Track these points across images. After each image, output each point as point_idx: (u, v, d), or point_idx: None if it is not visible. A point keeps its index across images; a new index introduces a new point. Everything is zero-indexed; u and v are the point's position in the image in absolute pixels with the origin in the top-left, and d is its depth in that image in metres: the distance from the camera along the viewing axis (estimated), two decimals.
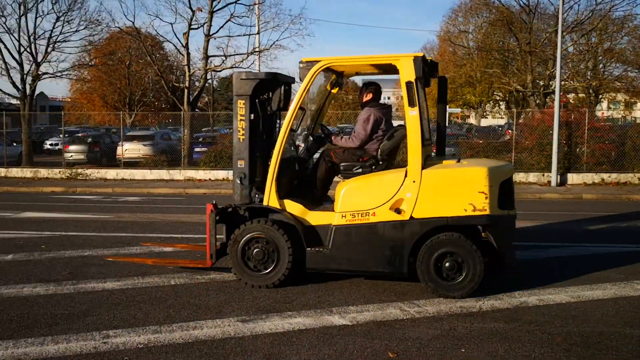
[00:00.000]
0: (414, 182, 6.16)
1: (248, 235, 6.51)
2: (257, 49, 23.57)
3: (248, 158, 6.75)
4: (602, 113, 28.49)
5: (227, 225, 6.94)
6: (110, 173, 20.99)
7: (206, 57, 22.83)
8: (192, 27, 22.48)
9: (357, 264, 6.40)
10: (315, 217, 6.58)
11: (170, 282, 6.80)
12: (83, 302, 6.07)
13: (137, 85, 37.29)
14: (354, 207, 6.37)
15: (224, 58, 23.59)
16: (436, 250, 6.09)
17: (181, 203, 14.78)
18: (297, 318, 5.55)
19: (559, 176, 17.66)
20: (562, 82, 23.51)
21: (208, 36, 22.44)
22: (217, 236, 6.80)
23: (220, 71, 26.72)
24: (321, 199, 6.99)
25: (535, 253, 8.17)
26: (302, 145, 7.53)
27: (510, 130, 24.00)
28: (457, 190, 6.10)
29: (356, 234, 6.33)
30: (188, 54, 22.97)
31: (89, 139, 24.56)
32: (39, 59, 23.65)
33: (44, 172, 21.51)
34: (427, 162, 6.34)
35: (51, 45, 23.86)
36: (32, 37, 23.45)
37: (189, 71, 23.08)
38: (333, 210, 6.48)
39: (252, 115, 6.74)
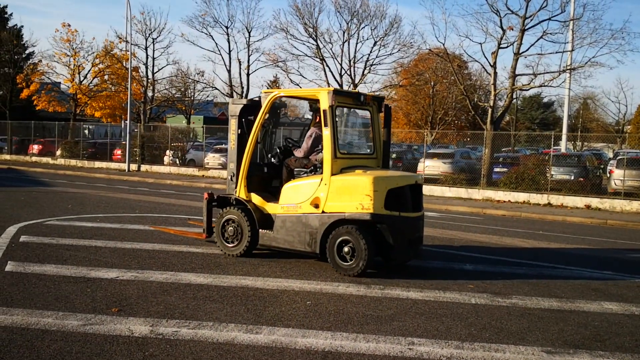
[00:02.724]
0: (325, 185, 8.07)
1: (225, 217, 8.86)
2: (569, 67, 22.27)
3: (236, 162, 9.01)
4: None
5: (222, 209, 9.09)
6: None
7: (514, 75, 22.39)
8: (501, 46, 22.31)
9: (288, 244, 8.41)
10: (270, 207, 8.71)
11: (471, 301, 6.85)
12: (390, 307, 6.49)
13: (440, 104, 38.36)
14: (289, 201, 8.46)
15: (532, 77, 22.84)
16: (337, 237, 7.87)
17: (478, 222, 14.73)
18: (609, 359, 5.09)
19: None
20: None
21: (517, 54, 21.99)
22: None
23: (527, 90, 25.92)
24: None
25: None
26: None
27: None
28: (352, 193, 7.83)
29: (288, 222, 8.39)
30: (495, 72, 22.82)
31: (393, 155, 26.05)
32: (357, 80, 26.03)
33: None
34: (344, 171, 8.16)
35: (368, 68, 26.10)
36: (352, 61, 25.97)
37: (495, 90, 22.90)
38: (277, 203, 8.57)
39: (239, 131, 8.99)
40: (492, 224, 14.35)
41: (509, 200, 19.50)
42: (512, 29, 22.06)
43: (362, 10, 25.93)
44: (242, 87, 30.52)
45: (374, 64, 26.15)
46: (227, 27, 29.58)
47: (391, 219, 7.82)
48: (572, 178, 19.87)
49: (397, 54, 27.10)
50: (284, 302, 6.53)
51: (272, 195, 9.00)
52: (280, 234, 8.50)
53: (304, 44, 26.49)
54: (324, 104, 8.13)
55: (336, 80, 25.80)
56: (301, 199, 8.34)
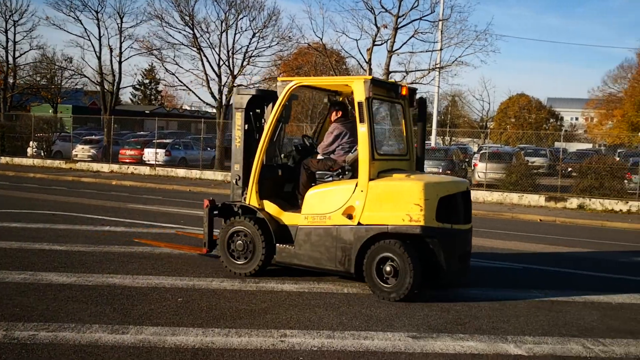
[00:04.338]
0: (362, 191, 6.85)
1: (232, 229, 7.49)
2: (438, 65, 23.43)
3: (242, 163, 7.72)
4: None
5: (225, 219, 7.77)
6: None
7: (387, 72, 23.17)
8: (376, 43, 22.97)
9: (314, 261, 7.10)
10: (288, 218, 7.41)
11: (343, 291, 6.99)
12: (264, 301, 6.46)
13: (320, 98, 38.88)
14: (314, 210, 7.14)
15: (404, 74, 23.76)
16: (376, 254, 6.67)
17: None
18: (469, 342, 5.41)
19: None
20: None
21: (391, 52, 22.78)
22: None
23: None
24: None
25: None
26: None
27: None
28: (397, 201, 6.64)
29: (315, 235, 7.08)
30: (370, 69, 23.48)
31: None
32: (235, 71, 25.74)
33: None
34: (381, 175, 6.96)
35: (246, 60, 25.87)
36: (230, 52, 25.62)
37: None
38: (299, 212, 7.27)
39: (247, 126, 7.73)
40: None
41: None
42: (386, 27, 22.83)
43: (240, 0, 25.67)
44: (114, 76, 29.15)
45: (253, 56, 25.99)
46: (97, 12, 28.01)
47: (443, 232, 6.69)
48: (441, 170, 20.96)
49: (276, 46, 27.08)
50: (154, 299, 6.29)
51: (288, 202, 7.77)
52: (303, 250, 7.17)
53: (180, 32, 25.74)
54: (359, 95, 6.93)
55: (214, 71, 25.41)
56: (331, 207, 7.05)
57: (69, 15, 28.06)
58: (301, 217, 7.23)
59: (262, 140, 7.52)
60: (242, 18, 25.89)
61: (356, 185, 6.91)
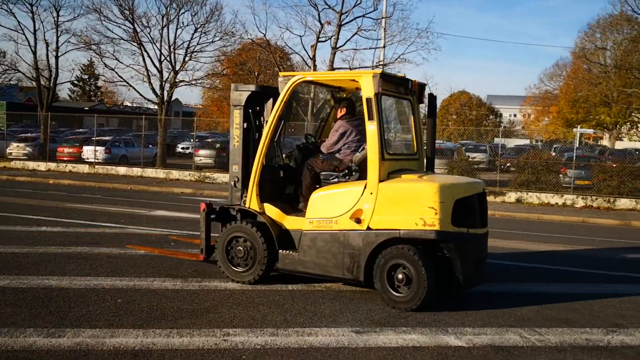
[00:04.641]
0: (371, 194, 6.43)
1: (231, 234, 7.09)
2: (381, 62, 23.69)
3: (241, 163, 7.31)
4: None
5: (222, 224, 7.45)
6: None
7: (332, 69, 23.27)
8: (320, 39, 23.05)
9: (320, 268, 6.70)
10: (291, 222, 7.01)
11: (287, 288, 6.97)
12: (206, 300, 6.38)
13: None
14: (320, 214, 6.72)
15: (349, 70, 23.89)
16: (389, 261, 6.27)
17: None
18: (411, 334, 5.49)
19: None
20: None
21: (335, 49, 22.88)
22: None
23: None
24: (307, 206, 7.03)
25: None
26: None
27: None
28: (409, 204, 6.25)
29: (320, 240, 6.67)
30: (314, 65, 23.53)
31: (218, 144, 25.80)
32: (177, 67, 25.29)
33: (175, 174, 22.88)
34: (391, 176, 6.53)
35: (189, 55, 25.46)
36: (172, 47, 25.15)
37: None
38: (304, 216, 6.86)
39: (246, 124, 7.28)
40: None
41: None
42: (330, 24, 22.94)
43: None
44: (51, 71, 28.12)
45: (196, 51, 25.60)
46: (31, 5, 26.94)
47: (459, 237, 6.28)
48: None
49: (219, 42, 26.76)
50: (92, 301, 6.11)
51: (290, 205, 7.35)
52: (308, 256, 6.74)
53: (119, 26, 25.08)
54: (368, 91, 6.47)
55: (155, 66, 24.89)
56: (338, 211, 6.62)
57: (1, 8, 26.89)
58: (305, 222, 6.80)
59: (262, 140, 7.07)
60: (183, 13, 25.48)
61: (365, 187, 6.48)
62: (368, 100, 6.46)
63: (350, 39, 31.76)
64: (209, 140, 28.36)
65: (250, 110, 7.32)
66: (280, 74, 7.10)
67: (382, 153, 6.43)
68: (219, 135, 36.75)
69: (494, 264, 8.97)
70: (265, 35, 24.26)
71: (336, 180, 7.00)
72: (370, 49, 24.71)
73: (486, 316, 6.15)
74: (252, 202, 7.11)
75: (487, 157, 27.90)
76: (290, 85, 6.96)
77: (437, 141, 30.53)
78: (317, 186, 7.12)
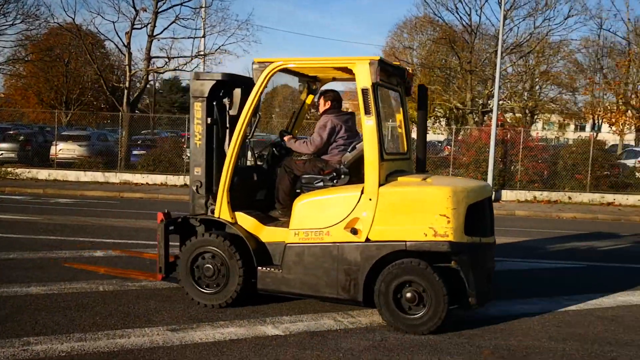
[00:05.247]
0: (370, 200, 5.58)
1: (197, 250, 6.04)
2: (201, 53, 23.30)
3: (205, 165, 6.28)
4: (537, 133, 29.56)
5: (182, 237, 6.42)
6: (42, 173, 20.17)
7: (149, 57, 22.40)
8: (135, 26, 21.99)
9: (309, 287, 5.80)
10: (269, 234, 6.06)
11: (99, 289, 6.57)
12: (3, 307, 5.77)
13: (76, 83, 36.10)
14: (308, 224, 5.79)
15: (167, 60, 23.19)
16: (396, 278, 5.46)
17: (116, 207, 14.34)
18: (229, 328, 5.46)
19: (493, 192, 18.18)
20: (500, 102, 24.31)
21: (151, 37, 22.02)
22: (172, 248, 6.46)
23: (162, 73, 26.31)
24: (286, 214, 6.27)
25: None
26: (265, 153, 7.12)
27: (448, 147, 24.58)
28: (417, 211, 5.51)
29: (309, 255, 5.76)
30: (130, 53, 22.47)
31: (21, 137, 23.58)
32: None
33: None
34: (389, 179, 5.76)
35: None
36: None
37: (130, 71, 22.56)
38: (287, 227, 5.94)
39: (209, 119, 6.28)
40: (129, 208, 14.13)
41: (147, 183, 19.52)
42: (146, 11, 21.96)
43: None
44: None
45: None
46: None
47: (472, 248, 5.55)
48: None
49: (21, 25, 24.46)
50: None
51: (263, 213, 6.39)
52: (294, 274, 5.80)
53: None
54: (364, 80, 5.62)
55: None
56: (329, 220, 5.71)
57: None
58: (289, 233, 5.86)
59: (235, 137, 6.08)
60: None
61: (362, 193, 5.68)
62: (364, 91, 5.64)
63: (168, 27, 30.92)
64: (11, 132, 25.79)
65: (214, 103, 6.32)
66: (255, 60, 6.09)
67: (381, 153, 5.66)
68: (23, 127, 33.59)
69: None
70: (74, 19, 22.61)
71: (321, 184, 6.11)
72: (189, 38, 24.24)
73: (303, 304, 6.30)
74: (222, 211, 6.10)
75: None
76: (268, 74, 6.00)
77: (262, 134, 30.43)
78: (297, 191, 6.34)
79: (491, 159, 17.91)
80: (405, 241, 5.47)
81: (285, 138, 6.66)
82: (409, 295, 5.43)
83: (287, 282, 5.85)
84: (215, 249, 5.96)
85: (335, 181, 6.05)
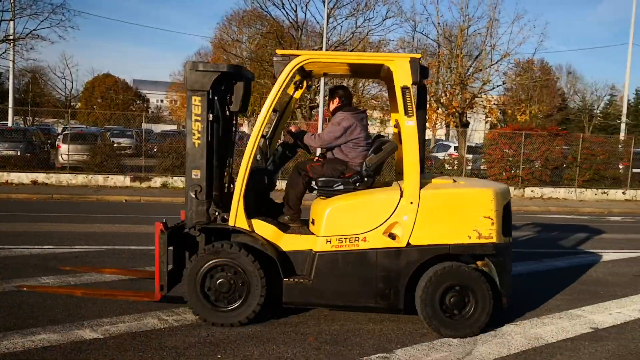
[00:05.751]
0: (411, 203, 5.42)
1: (210, 263, 5.44)
2: (10, 37, 21.26)
3: (205, 167, 5.65)
4: None
5: (175, 248, 5.91)
6: None
7: None
8: None
9: (344, 297, 5.52)
10: (290, 242, 5.67)
11: None
12: None
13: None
14: (341, 230, 5.49)
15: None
16: (442, 283, 5.35)
17: None
18: (41, 334, 5.06)
19: None
20: (326, 97, 25.15)
21: None
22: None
23: None
24: (295, 220, 5.96)
25: None
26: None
27: None
28: (460, 214, 5.46)
29: (344, 263, 5.46)
30: None
31: None
32: None
33: None
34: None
35: None
36: None
37: None
38: (312, 234, 5.65)
39: (211, 116, 5.64)
40: None
41: None
42: None
43: None
44: None
45: None
46: None
47: (507, 248, 5.55)
48: (19, 154, 19.19)
49: None
50: None
51: (274, 219, 5.76)
52: (326, 284, 5.38)
53: None
54: (404, 78, 5.33)
55: None
56: (366, 226, 5.37)
57: None
58: (319, 240, 5.47)
59: (252, 137, 5.52)
60: None
61: (401, 196, 5.43)
62: (404, 90, 5.40)
63: None
64: None
65: (216, 98, 5.63)
66: (278, 51, 5.64)
67: (423, 155, 5.57)
68: None
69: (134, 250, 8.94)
70: None
71: (341, 187, 5.77)
72: None
73: (125, 304, 6.02)
74: (238, 218, 5.54)
75: (134, 143, 27.58)
76: (293, 68, 5.51)
77: (80, 126, 28.80)
78: (317, 195, 5.98)
79: None
80: (449, 244, 5.40)
81: (292, 127, 6.30)
82: (452, 300, 5.37)
83: (318, 292, 5.50)
84: (233, 260, 5.41)
85: (357, 184, 5.80)
